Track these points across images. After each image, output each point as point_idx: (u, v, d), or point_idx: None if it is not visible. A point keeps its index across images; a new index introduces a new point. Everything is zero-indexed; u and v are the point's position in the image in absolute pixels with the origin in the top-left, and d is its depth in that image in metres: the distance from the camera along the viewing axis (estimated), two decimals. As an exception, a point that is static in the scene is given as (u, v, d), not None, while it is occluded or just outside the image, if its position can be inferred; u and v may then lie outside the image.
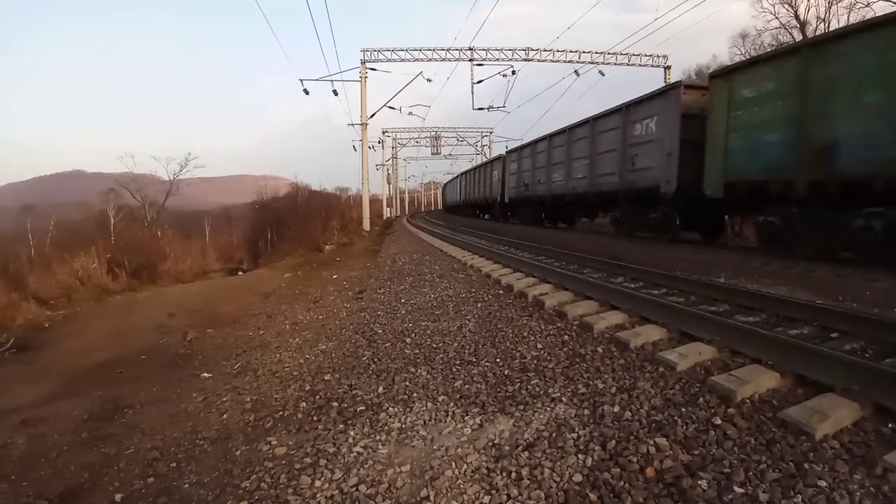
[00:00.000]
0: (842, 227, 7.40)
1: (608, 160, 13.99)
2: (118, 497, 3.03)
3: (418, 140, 51.94)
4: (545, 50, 26.74)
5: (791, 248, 8.33)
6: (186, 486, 3.01)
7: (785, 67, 8.39)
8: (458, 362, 4.25)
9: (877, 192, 6.82)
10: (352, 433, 3.23)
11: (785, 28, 27.86)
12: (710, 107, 10.05)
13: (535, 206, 20.24)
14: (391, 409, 3.52)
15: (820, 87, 7.67)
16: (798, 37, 26.09)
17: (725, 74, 9.83)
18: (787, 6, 27.74)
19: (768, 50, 18.18)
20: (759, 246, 9.40)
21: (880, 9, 20.65)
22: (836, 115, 7.43)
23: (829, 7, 25.81)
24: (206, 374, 5.76)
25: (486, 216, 29.73)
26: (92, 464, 3.60)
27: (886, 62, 6.72)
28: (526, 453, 2.68)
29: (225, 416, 4.13)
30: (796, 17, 27.61)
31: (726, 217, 11.38)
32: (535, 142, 19.52)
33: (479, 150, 52.57)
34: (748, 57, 18.61)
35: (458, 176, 42.98)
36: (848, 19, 24.21)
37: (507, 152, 24.16)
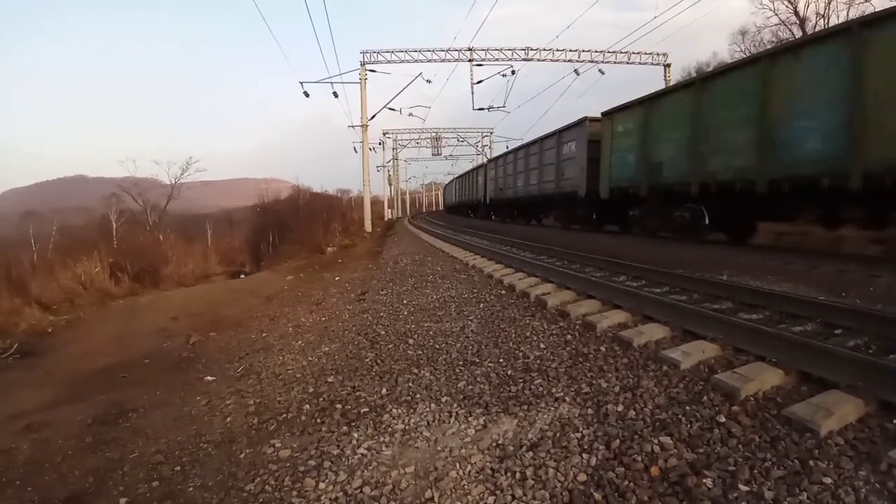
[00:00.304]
0: (668, 216, 11.73)
1: (549, 171, 18.33)
2: (123, 501, 3.04)
3: (419, 141, 52.02)
4: (545, 49, 26.74)
5: (643, 231, 12.78)
6: (191, 489, 3.02)
7: (637, 113, 12.61)
8: (461, 363, 4.25)
9: (683, 194, 10.88)
10: (355, 435, 3.23)
11: (785, 24, 27.89)
12: (602, 135, 14.11)
13: (508, 206, 24.57)
14: (395, 410, 3.52)
15: (652, 127, 12.04)
16: (798, 33, 26.11)
17: (610, 114, 13.86)
18: (786, 3, 27.74)
19: (763, 49, 18.98)
20: (626, 230, 14.00)
21: (879, 4, 20.60)
22: (659, 146, 11.77)
23: (829, 3, 25.80)
24: (209, 378, 5.76)
25: (472, 214, 34.37)
26: (96, 468, 3.61)
27: (680, 114, 10.98)
28: (530, 453, 2.68)
29: (229, 419, 4.13)
30: (796, 13, 27.62)
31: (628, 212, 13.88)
32: (505, 154, 24.59)
33: (480, 150, 52.60)
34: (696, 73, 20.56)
35: (455, 178, 46.89)
36: (847, 15, 24.23)
37: (487, 161, 29.28)
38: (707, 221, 10.73)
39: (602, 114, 14.41)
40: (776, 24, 28.32)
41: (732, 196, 9.60)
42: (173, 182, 57.39)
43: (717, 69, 12.74)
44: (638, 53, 27.64)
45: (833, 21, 24.95)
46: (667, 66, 28.18)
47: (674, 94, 11.73)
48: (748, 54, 28.14)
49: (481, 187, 30.37)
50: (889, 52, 6.77)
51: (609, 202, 14.04)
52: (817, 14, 26.65)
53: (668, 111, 11.50)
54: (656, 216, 12.31)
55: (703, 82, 10.55)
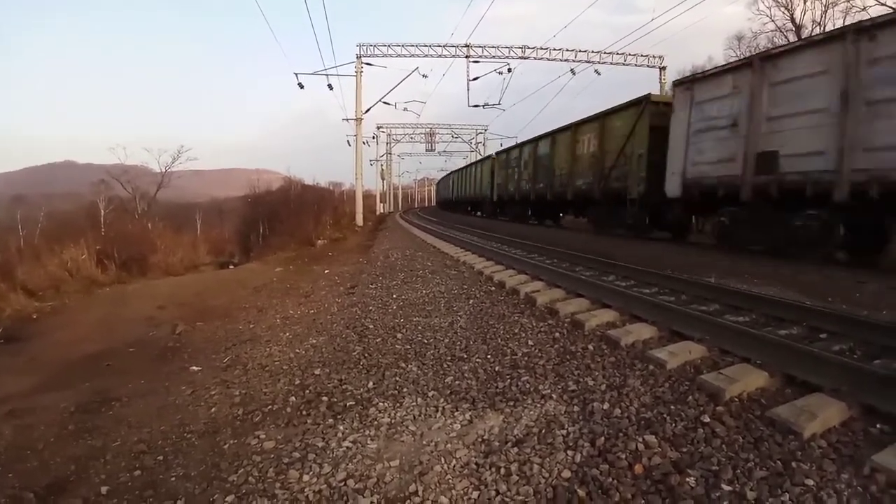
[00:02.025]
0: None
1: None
2: (104, 490, 3.00)
3: (413, 136, 51.96)
4: (541, 48, 26.74)
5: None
6: (173, 479, 2.99)
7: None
8: (448, 358, 4.25)
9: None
10: (341, 428, 3.21)
11: (780, 31, 28.02)
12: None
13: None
14: (381, 404, 3.51)
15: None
16: (793, 39, 26.25)
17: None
18: (783, 9, 27.89)
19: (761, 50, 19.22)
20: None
21: (875, 13, 20.75)
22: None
23: (825, 10, 25.97)
24: (195, 368, 5.72)
25: (476, 212, 33.18)
26: (78, 456, 3.57)
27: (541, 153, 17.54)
28: (515, 449, 2.68)
29: (213, 409, 4.10)
30: (792, 20, 27.77)
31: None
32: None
33: (474, 147, 52.57)
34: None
35: (453, 172, 46.47)
36: (843, 21, 24.38)
37: (496, 153, 28.25)
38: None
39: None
40: (772, 31, 28.47)
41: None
42: (163, 170, 56.85)
43: None
44: (634, 55, 27.72)
45: (829, 28, 25.14)
46: (662, 68, 28.29)
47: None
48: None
49: (486, 183, 28.01)
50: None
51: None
52: (813, 21, 26.84)
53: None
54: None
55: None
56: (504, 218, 24.56)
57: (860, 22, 7.82)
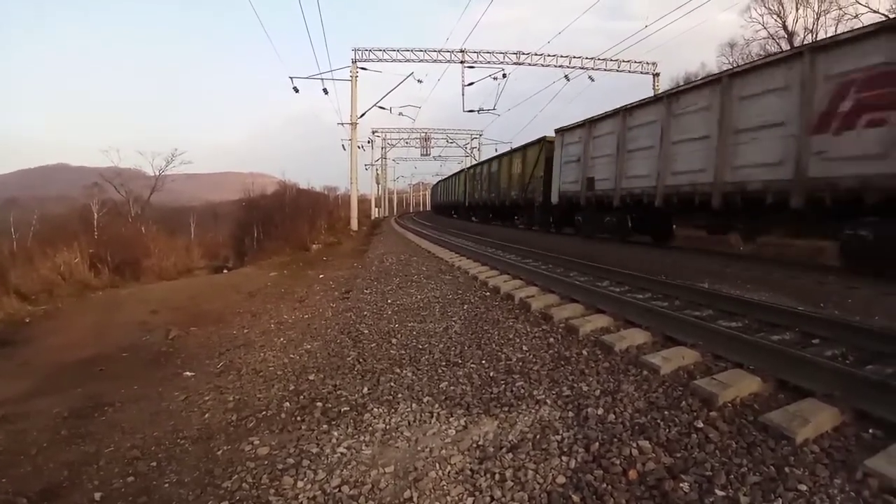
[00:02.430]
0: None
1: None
2: (97, 496, 2.99)
3: (408, 141, 52.00)
4: (536, 54, 26.89)
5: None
6: (167, 485, 2.98)
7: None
8: (443, 363, 4.25)
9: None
10: (335, 434, 3.21)
11: (773, 38, 28.26)
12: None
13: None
14: (376, 409, 3.51)
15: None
16: (786, 47, 26.49)
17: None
18: (775, 17, 28.14)
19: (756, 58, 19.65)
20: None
21: (868, 21, 20.96)
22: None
23: (818, 18, 26.22)
24: (188, 373, 5.71)
25: (454, 214, 37.63)
26: (71, 462, 3.55)
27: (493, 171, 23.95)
28: (510, 455, 2.69)
29: (207, 415, 4.09)
30: (784, 27, 28.02)
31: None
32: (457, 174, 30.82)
33: (469, 152, 52.68)
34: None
35: (444, 179, 48.68)
36: (836, 29, 24.62)
37: (460, 171, 34.21)
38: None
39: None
40: (765, 38, 28.71)
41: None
42: (157, 173, 56.54)
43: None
44: (628, 62, 27.93)
45: (821, 36, 25.38)
46: (656, 75, 28.48)
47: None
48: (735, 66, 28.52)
49: (461, 191, 32.34)
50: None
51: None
52: (806, 29, 27.08)
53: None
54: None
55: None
56: (475, 219, 29.34)
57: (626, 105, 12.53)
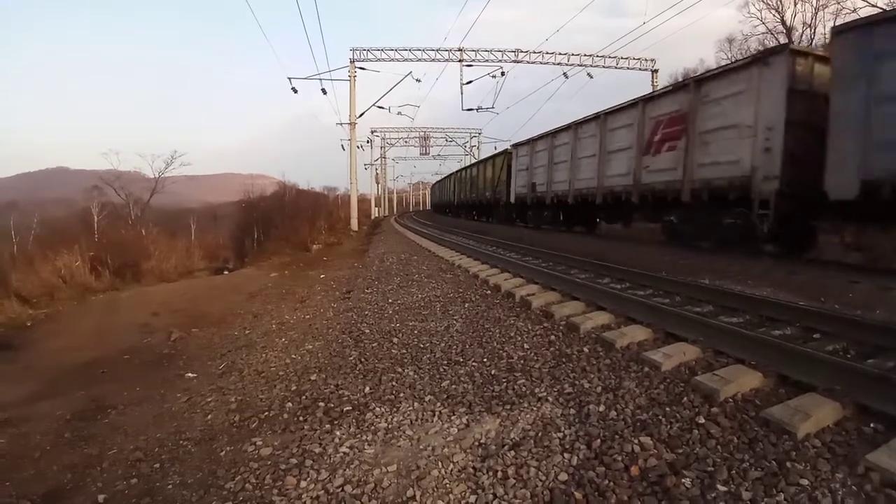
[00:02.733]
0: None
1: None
2: (101, 498, 3.00)
3: (407, 140, 51.98)
4: (534, 52, 26.90)
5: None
6: (170, 487, 2.99)
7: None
8: (445, 362, 4.26)
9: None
10: (338, 433, 3.22)
11: (771, 33, 28.22)
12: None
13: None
14: (378, 409, 3.51)
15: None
16: (784, 41, 26.48)
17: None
18: (773, 12, 28.11)
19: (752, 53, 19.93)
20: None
21: (866, 13, 20.91)
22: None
23: (816, 13, 26.18)
24: (190, 375, 5.71)
25: (448, 213, 41.24)
26: (75, 464, 3.56)
27: (474, 175, 29.15)
28: (512, 452, 2.69)
29: (209, 416, 4.09)
30: (783, 22, 27.98)
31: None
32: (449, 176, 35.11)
33: (468, 150, 52.66)
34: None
35: (441, 179, 50.68)
36: (834, 23, 24.60)
37: (451, 174, 38.26)
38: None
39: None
40: (763, 33, 28.68)
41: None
42: (157, 176, 56.51)
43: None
44: (626, 58, 27.93)
45: (819, 30, 25.39)
46: (654, 71, 28.46)
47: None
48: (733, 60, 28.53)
49: (452, 192, 36.34)
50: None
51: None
52: (804, 24, 27.05)
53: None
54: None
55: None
56: (463, 216, 33.39)
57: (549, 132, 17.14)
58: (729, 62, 15.00)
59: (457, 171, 37.75)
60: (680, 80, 16.38)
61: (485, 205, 26.89)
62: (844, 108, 7.03)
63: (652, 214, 12.16)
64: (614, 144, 12.81)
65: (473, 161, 38.36)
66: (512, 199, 20.54)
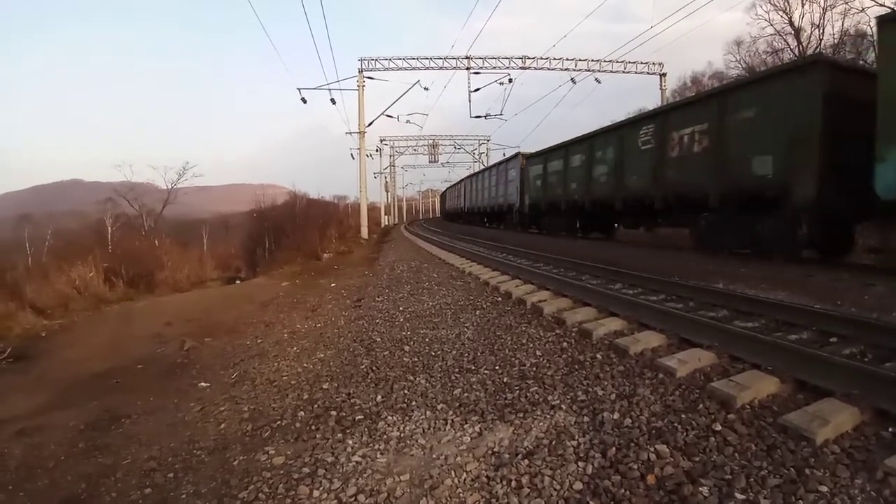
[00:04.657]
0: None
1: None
2: (115, 508, 3.02)
3: (416, 148, 52.10)
4: (541, 58, 26.89)
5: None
6: (184, 496, 2.99)
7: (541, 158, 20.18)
8: (456, 370, 4.24)
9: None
10: (350, 442, 3.21)
11: (779, 34, 28.03)
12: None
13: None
14: (390, 417, 3.50)
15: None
16: (793, 43, 26.34)
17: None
18: (781, 13, 27.93)
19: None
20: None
21: (875, 13, 20.76)
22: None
23: (824, 13, 25.98)
24: (203, 384, 5.74)
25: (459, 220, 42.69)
26: (89, 474, 3.58)
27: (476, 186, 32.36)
28: (526, 461, 2.67)
29: (222, 425, 4.11)
30: (791, 23, 27.77)
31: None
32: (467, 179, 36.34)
33: (477, 157, 52.70)
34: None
35: (450, 186, 52.15)
36: (843, 25, 24.44)
37: (460, 181, 40.89)
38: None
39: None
40: (771, 35, 28.51)
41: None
42: (169, 187, 57.05)
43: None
44: (634, 63, 27.88)
45: (828, 31, 25.20)
46: (663, 75, 28.39)
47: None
48: (743, 65, 28.37)
49: (461, 199, 37.52)
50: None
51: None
52: (812, 24, 26.85)
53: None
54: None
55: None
56: (475, 223, 34.33)
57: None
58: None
59: (466, 178, 39.14)
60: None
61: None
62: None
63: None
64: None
65: (482, 167, 38.89)
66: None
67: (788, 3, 27.06)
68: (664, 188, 11.61)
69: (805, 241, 8.56)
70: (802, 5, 26.42)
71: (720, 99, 10.05)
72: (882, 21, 7.59)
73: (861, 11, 23.30)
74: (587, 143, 15.73)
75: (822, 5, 25.65)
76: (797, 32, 27.03)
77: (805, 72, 8.34)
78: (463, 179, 41.91)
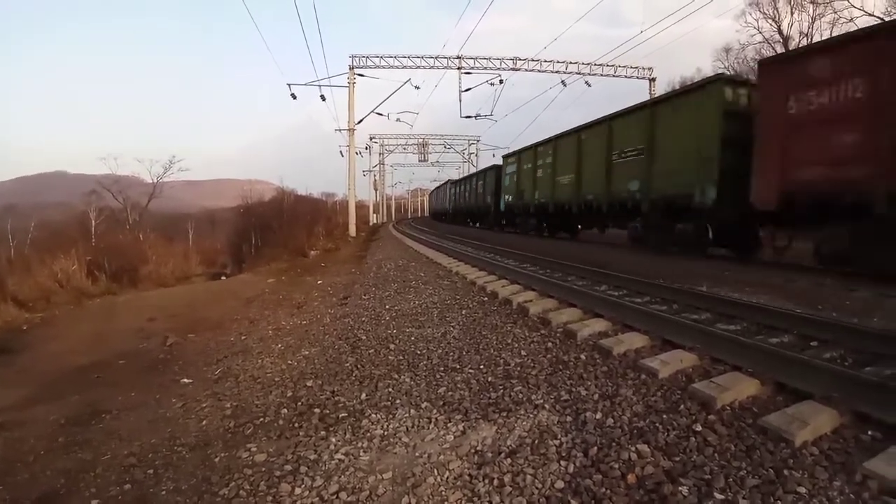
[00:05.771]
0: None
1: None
2: (94, 503, 2.98)
3: (406, 147, 51.99)
4: (532, 60, 26.98)
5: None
6: (164, 492, 2.96)
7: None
8: (441, 369, 4.24)
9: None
10: (333, 440, 3.20)
11: (768, 42, 28.39)
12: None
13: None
14: (374, 415, 3.49)
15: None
16: (780, 51, 26.66)
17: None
18: (770, 21, 28.28)
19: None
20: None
21: (863, 23, 21.05)
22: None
23: (812, 22, 26.36)
24: (186, 380, 5.68)
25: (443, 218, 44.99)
26: (69, 469, 3.54)
27: (460, 189, 34.96)
28: (508, 460, 2.68)
29: (204, 422, 4.07)
30: (779, 31, 28.15)
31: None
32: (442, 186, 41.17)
33: (466, 157, 52.73)
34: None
35: (438, 187, 53.17)
36: (831, 33, 24.78)
37: (446, 182, 43.58)
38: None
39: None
40: (760, 42, 28.86)
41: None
42: (155, 181, 56.41)
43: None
44: (624, 67, 28.05)
45: (816, 40, 25.53)
46: (652, 80, 28.59)
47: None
48: (731, 71, 28.67)
49: (445, 201, 41.73)
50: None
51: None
52: (801, 33, 27.22)
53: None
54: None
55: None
56: (459, 222, 35.58)
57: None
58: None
59: (454, 181, 41.53)
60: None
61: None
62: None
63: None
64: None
65: (471, 169, 39.56)
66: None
67: (778, 11, 27.43)
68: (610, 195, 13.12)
69: (712, 241, 10.20)
70: (791, 14, 26.79)
71: (652, 110, 11.51)
72: (762, 63, 9.03)
73: (850, 21, 23.67)
74: (551, 144, 16.96)
75: (811, 14, 26.04)
76: (786, 41, 27.40)
77: (706, 89, 9.88)
78: (445, 183, 44.77)
